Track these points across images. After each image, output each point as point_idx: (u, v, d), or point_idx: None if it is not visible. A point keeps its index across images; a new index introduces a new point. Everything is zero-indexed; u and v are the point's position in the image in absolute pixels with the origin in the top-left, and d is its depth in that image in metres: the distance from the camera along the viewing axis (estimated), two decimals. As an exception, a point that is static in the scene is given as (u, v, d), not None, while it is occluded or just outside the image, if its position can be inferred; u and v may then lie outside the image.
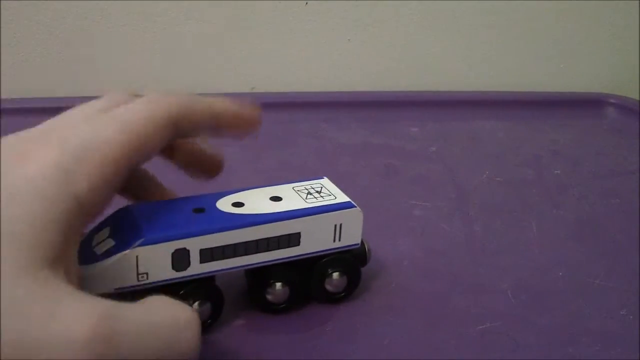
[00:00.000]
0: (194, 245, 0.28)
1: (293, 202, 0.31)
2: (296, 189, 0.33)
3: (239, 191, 0.32)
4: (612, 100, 0.69)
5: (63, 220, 0.22)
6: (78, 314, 0.21)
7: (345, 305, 0.34)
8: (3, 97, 0.59)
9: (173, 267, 0.28)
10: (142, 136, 0.26)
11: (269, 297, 0.32)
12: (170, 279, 0.29)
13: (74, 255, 0.24)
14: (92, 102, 0.28)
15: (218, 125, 0.30)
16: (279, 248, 0.31)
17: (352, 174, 0.50)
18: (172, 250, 0.28)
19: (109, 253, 0.27)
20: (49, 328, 0.20)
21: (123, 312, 0.22)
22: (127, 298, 0.28)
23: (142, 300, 0.23)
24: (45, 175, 0.23)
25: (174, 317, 0.23)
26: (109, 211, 0.30)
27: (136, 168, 0.27)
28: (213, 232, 0.29)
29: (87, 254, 0.28)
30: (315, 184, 0.33)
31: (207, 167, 0.33)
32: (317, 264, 0.32)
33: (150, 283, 0.28)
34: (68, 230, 0.23)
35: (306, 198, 0.32)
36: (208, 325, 0.31)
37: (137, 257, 0.27)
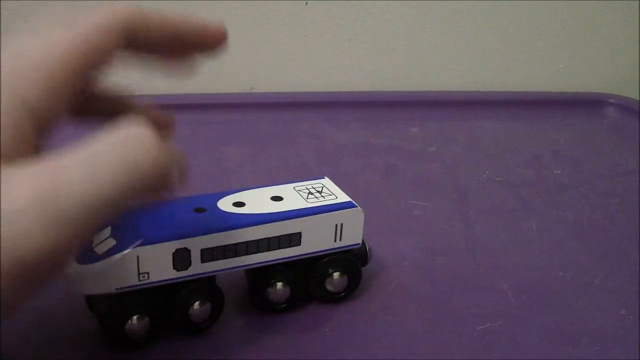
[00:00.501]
0: (195, 245, 0.28)
1: (294, 202, 0.31)
2: (297, 188, 0.33)
3: (240, 191, 0.32)
4: (612, 100, 0.69)
5: (11, 123, 0.22)
6: (19, 182, 0.20)
7: (345, 305, 0.34)
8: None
9: (174, 267, 0.29)
10: (91, 41, 0.25)
11: (269, 297, 0.32)
12: (172, 279, 0.29)
13: (17, 141, 0.23)
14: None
15: (178, 36, 0.29)
16: (279, 248, 0.31)
17: (352, 174, 0.50)
18: (173, 250, 0.28)
19: (109, 253, 0.27)
20: None
21: (62, 169, 0.21)
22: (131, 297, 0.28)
23: (86, 144, 0.22)
24: None
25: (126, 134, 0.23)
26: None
27: (90, 77, 0.26)
28: (214, 232, 0.29)
29: (88, 253, 0.28)
30: (316, 183, 0.33)
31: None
32: (317, 263, 0.32)
33: (151, 283, 0.28)
34: (18, 133, 0.22)
35: (307, 198, 0.32)
36: (209, 324, 0.31)
37: (138, 256, 0.27)
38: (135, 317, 0.29)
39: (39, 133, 0.24)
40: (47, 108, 0.24)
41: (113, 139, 0.23)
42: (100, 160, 0.22)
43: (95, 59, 0.26)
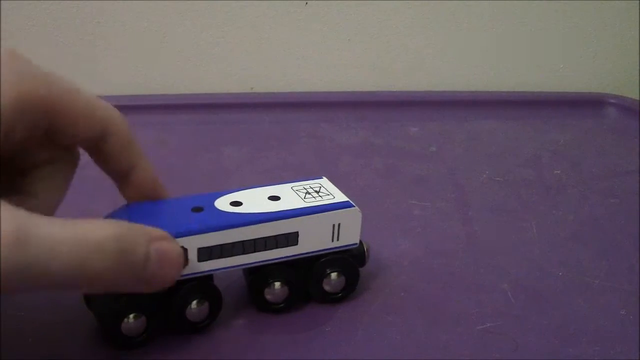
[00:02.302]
0: (192, 243, 0.28)
1: (291, 201, 0.31)
2: (295, 188, 0.33)
3: (238, 190, 0.32)
4: (612, 100, 0.69)
5: None
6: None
7: (345, 305, 0.34)
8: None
9: (171, 267, 0.28)
10: (78, 105, 0.26)
11: (268, 296, 0.32)
12: (169, 279, 0.29)
13: None
14: None
15: (132, 174, 0.29)
16: (277, 247, 0.31)
17: (352, 174, 0.50)
18: (171, 250, 0.28)
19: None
20: None
21: (40, 223, 0.22)
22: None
23: (65, 219, 0.23)
24: None
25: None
26: (107, 211, 0.30)
27: (55, 133, 0.26)
28: (211, 231, 0.29)
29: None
30: (314, 183, 0.33)
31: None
32: (315, 264, 0.32)
33: (148, 282, 0.28)
34: None
35: (305, 197, 0.32)
36: (206, 324, 0.31)
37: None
38: (131, 316, 0.29)
39: None
40: (14, 121, 0.24)
41: (101, 230, 0.23)
42: (67, 244, 0.22)
43: (66, 120, 0.26)
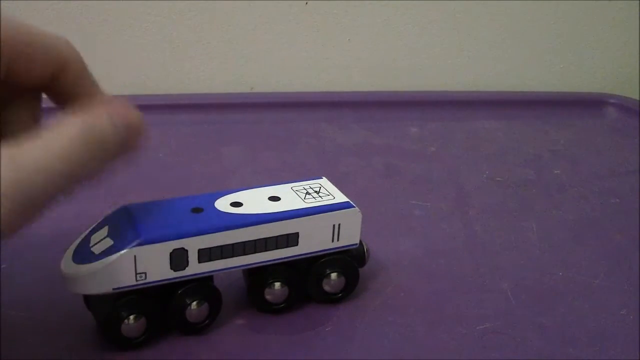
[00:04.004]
0: (192, 245, 0.28)
1: (291, 202, 0.31)
2: (295, 189, 0.33)
3: (238, 191, 0.32)
4: (612, 100, 0.69)
5: None
6: None
7: (345, 305, 0.34)
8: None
9: (171, 267, 0.28)
10: (35, 44, 0.27)
11: (268, 296, 0.32)
12: (169, 279, 0.29)
13: None
14: None
15: (58, 77, 0.29)
16: (277, 248, 0.31)
17: (352, 174, 0.50)
18: (171, 250, 0.28)
19: (107, 252, 0.27)
20: None
21: (24, 151, 0.23)
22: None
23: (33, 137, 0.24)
24: None
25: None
26: (107, 211, 0.30)
27: (10, 73, 0.27)
28: (211, 232, 0.29)
29: (85, 253, 0.28)
30: (314, 184, 0.33)
31: None
32: (315, 264, 0.32)
33: (148, 282, 0.28)
34: None
35: (305, 198, 0.32)
36: (206, 325, 0.31)
37: (135, 256, 0.27)
38: (132, 317, 0.29)
39: None
40: None
41: (71, 130, 0.24)
42: (61, 137, 0.24)
43: (22, 58, 0.27)
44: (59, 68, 0.28)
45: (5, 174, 0.22)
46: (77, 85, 0.29)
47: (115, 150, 0.25)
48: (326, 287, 0.33)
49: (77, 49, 0.28)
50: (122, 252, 0.27)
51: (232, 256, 0.30)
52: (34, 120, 0.29)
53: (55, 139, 0.24)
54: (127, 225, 0.28)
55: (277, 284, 0.32)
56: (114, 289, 0.28)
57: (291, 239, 0.31)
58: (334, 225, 0.32)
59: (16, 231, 0.22)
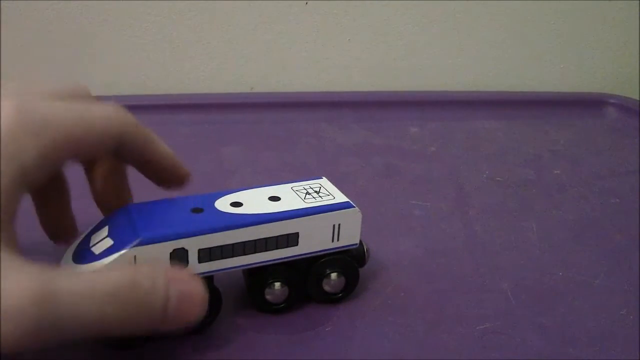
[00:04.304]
0: (193, 245, 0.28)
1: (291, 202, 0.31)
2: (295, 189, 0.33)
3: (238, 191, 0.32)
4: (612, 100, 0.69)
5: (8, 192, 0.23)
6: (18, 281, 0.21)
7: (345, 305, 0.34)
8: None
9: (171, 267, 0.28)
10: (94, 132, 0.27)
11: (268, 297, 0.32)
12: (169, 279, 0.29)
13: (13, 223, 0.24)
14: (50, 85, 0.28)
15: (151, 163, 0.30)
16: (277, 248, 0.31)
17: (352, 174, 0.50)
18: (171, 250, 0.28)
19: (107, 252, 0.27)
20: None
21: (61, 279, 0.23)
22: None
23: (92, 270, 0.25)
24: None
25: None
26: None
27: (77, 159, 0.28)
28: (211, 232, 0.29)
29: (85, 253, 0.28)
30: (314, 184, 0.33)
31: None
32: (315, 264, 0.32)
33: (148, 283, 0.28)
34: (11, 201, 0.23)
35: (305, 198, 0.32)
36: (206, 324, 0.31)
37: (135, 256, 0.27)
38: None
39: (25, 195, 0.25)
40: (39, 178, 0.25)
41: (116, 279, 0.24)
42: (93, 296, 0.23)
43: (90, 149, 0.27)
44: (119, 143, 0.28)
45: (35, 289, 0.21)
46: (140, 152, 0.30)
47: (160, 318, 0.25)
48: (326, 287, 0.33)
49: (130, 115, 0.29)
50: (122, 252, 0.27)
51: (232, 256, 0.30)
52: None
53: (104, 285, 0.24)
54: (127, 225, 0.28)
55: (277, 284, 0.32)
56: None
57: (291, 239, 0.31)
58: (334, 225, 0.32)
59: (22, 350, 0.22)
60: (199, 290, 0.26)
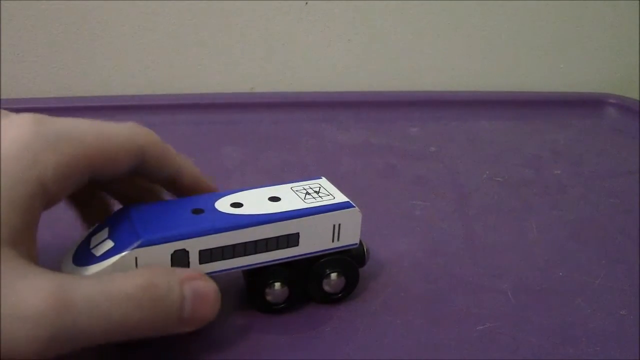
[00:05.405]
0: (193, 246, 0.28)
1: (291, 202, 0.31)
2: (294, 189, 0.33)
3: (238, 191, 0.32)
4: (612, 100, 0.69)
5: (25, 202, 0.23)
6: (35, 287, 0.22)
7: (345, 305, 0.34)
8: (3, 97, 0.59)
9: (172, 268, 0.28)
10: (114, 148, 0.27)
11: (268, 297, 0.32)
12: (169, 280, 0.29)
13: (33, 236, 0.24)
14: None
15: (173, 178, 0.31)
16: (277, 248, 0.31)
17: (352, 174, 0.50)
18: (171, 251, 0.28)
19: (108, 254, 0.27)
20: (8, 302, 0.21)
21: (78, 284, 0.23)
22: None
23: (107, 274, 0.24)
24: (14, 155, 0.23)
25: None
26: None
27: (98, 176, 0.27)
28: (212, 233, 0.29)
29: (86, 255, 0.28)
30: (314, 184, 0.33)
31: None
32: (315, 264, 0.32)
33: (149, 283, 0.28)
34: (29, 212, 0.23)
35: (305, 198, 0.32)
36: (207, 325, 0.31)
37: (136, 258, 0.27)
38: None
39: (45, 209, 0.25)
40: (58, 191, 0.25)
41: (132, 281, 0.24)
42: (110, 301, 0.23)
43: (112, 165, 0.27)
44: (138, 158, 0.28)
45: (54, 295, 0.22)
46: (161, 168, 0.30)
47: (177, 318, 0.25)
48: (326, 287, 0.33)
49: (151, 131, 0.29)
50: (123, 253, 0.27)
51: (233, 257, 0.30)
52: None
53: (119, 289, 0.24)
54: (127, 227, 0.28)
55: (277, 284, 0.32)
56: (114, 289, 0.28)
57: (291, 239, 0.31)
58: (334, 225, 0.32)
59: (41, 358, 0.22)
60: (212, 289, 0.27)
